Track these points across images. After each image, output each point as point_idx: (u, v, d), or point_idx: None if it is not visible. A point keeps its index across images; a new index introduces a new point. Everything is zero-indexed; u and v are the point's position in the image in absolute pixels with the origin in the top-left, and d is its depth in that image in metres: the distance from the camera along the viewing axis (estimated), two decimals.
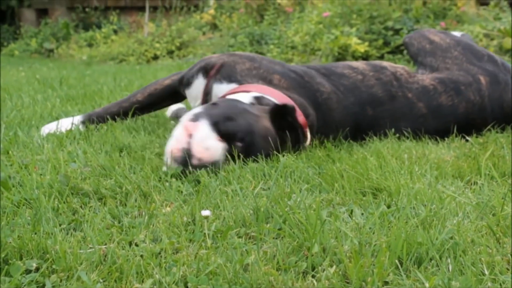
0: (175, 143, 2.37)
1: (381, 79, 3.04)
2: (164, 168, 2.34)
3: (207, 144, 2.35)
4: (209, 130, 2.39)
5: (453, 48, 3.45)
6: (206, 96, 2.97)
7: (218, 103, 2.60)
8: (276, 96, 2.74)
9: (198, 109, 2.52)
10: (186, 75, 3.14)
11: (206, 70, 3.02)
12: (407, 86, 3.09)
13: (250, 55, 3.11)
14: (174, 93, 3.24)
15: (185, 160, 2.31)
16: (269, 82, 2.87)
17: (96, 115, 3.24)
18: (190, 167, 2.30)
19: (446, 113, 3.10)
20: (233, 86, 2.89)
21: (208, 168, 2.31)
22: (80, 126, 3.15)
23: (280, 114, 2.58)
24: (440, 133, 3.08)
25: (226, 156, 2.39)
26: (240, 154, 2.40)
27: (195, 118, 2.44)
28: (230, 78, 2.92)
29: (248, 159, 2.41)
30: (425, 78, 3.19)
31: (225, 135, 2.40)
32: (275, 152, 2.49)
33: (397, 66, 3.23)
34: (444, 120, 3.09)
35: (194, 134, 2.37)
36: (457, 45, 3.47)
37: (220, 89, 2.92)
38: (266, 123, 2.53)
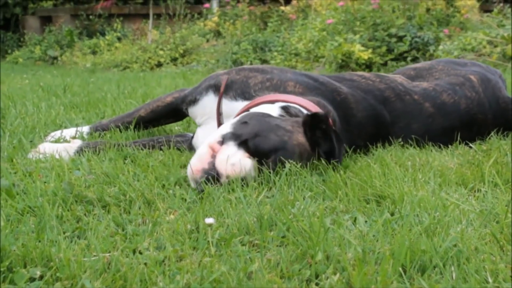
0: (197, 163, 2.31)
1: (388, 84, 3.09)
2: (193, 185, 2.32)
3: (233, 160, 2.28)
4: (235, 149, 2.33)
5: (436, 64, 3.63)
6: (220, 115, 2.91)
7: (248, 121, 2.48)
8: (301, 103, 2.68)
9: (226, 129, 2.45)
10: (192, 93, 3.09)
11: (217, 88, 2.95)
12: (411, 89, 3.16)
13: (259, 67, 3.08)
14: (176, 110, 3.21)
15: (207, 179, 2.25)
16: (283, 91, 2.83)
17: (101, 126, 3.28)
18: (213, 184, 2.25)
19: (451, 110, 3.16)
20: (247, 103, 2.82)
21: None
22: (85, 135, 3.20)
23: (313, 124, 2.49)
24: (448, 132, 3.12)
25: (259, 173, 2.33)
26: (272, 169, 2.33)
27: (222, 140, 2.38)
28: (244, 95, 2.87)
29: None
30: (423, 83, 3.28)
31: (256, 153, 2.34)
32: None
33: (395, 75, 3.33)
34: (449, 117, 3.15)
35: (218, 155, 2.31)
36: (439, 62, 3.69)
37: (234, 106, 2.85)
38: (300, 138, 2.45)
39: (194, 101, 3.06)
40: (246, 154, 2.33)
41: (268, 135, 2.39)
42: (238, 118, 2.56)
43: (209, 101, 2.98)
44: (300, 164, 2.37)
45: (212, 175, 2.26)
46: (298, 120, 2.53)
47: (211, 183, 2.24)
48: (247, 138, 2.36)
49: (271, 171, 2.32)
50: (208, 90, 2.99)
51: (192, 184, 2.30)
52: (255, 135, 2.37)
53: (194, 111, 3.08)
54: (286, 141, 2.39)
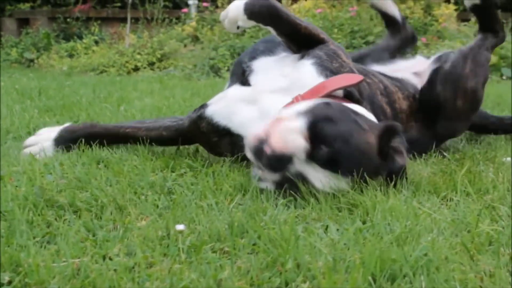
0: (258, 128, 2.19)
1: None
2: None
3: (288, 137, 2.13)
4: (302, 127, 2.16)
5: None
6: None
7: (333, 105, 2.32)
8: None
9: (307, 105, 2.29)
10: None
11: None
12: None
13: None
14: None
15: (258, 150, 2.15)
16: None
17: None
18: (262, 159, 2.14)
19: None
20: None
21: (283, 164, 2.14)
22: None
23: (387, 135, 2.33)
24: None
25: (309, 159, 2.16)
26: (324, 159, 2.15)
27: (297, 114, 2.23)
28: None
29: (335, 168, 2.17)
30: None
31: (317, 137, 2.16)
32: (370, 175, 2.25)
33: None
34: None
35: (282, 123, 2.18)
36: None
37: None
38: (370, 139, 2.27)
39: None
40: (306, 136, 2.16)
41: (340, 124, 2.21)
42: (320, 101, 2.36)
43: None
44: (362, 165, 2.21)
45: (259, 148, 2.14)
46: (376, 125, 2.37)
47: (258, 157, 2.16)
48: (319, 120, 2.19)
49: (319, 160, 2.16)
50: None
51: (248, 155, 2.22)
52: (328, 119, 2.21)
53: None
54: (353, 135, 2.20)
